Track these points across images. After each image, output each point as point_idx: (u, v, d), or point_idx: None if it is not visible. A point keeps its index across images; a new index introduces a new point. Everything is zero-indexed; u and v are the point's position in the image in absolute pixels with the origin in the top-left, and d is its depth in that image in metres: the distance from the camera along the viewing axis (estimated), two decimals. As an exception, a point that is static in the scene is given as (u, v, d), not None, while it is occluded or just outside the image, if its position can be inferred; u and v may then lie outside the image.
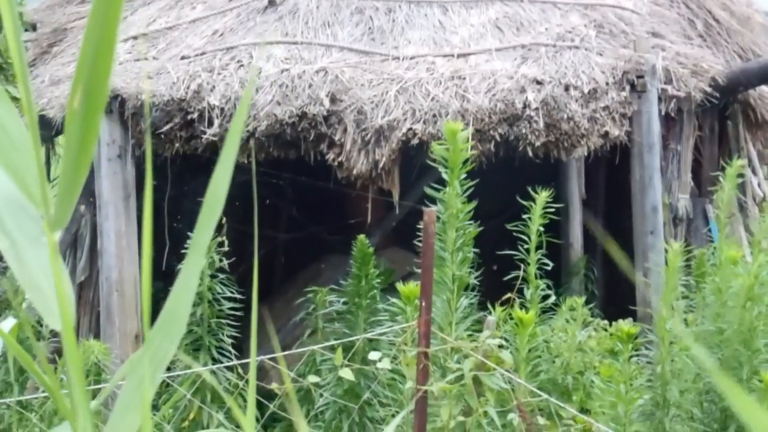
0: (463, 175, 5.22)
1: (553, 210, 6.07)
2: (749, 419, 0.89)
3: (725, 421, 5.43)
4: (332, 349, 6.48)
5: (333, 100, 8.01)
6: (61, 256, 1.60)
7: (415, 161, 8.01)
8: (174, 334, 1.23)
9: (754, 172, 9.92)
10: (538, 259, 6.08)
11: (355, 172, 7.96)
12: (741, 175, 6.75)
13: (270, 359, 6.12)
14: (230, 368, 6.83)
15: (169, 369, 6.24)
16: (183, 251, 6.55)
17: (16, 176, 1.25)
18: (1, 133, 1.27)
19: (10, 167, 1.25)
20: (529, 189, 6.06)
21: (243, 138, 8.02)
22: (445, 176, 5.23)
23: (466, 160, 5.20)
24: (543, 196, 5.95)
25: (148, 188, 1.14)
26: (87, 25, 1.15)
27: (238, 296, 7.24)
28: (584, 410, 5.92)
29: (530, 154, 7.99)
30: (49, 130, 8.59)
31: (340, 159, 7.98)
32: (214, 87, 8.22)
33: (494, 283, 6.21)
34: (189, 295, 1.23)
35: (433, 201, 5.32)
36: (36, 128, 1.22)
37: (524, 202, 6.04)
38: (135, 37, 9.35)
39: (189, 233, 5.85)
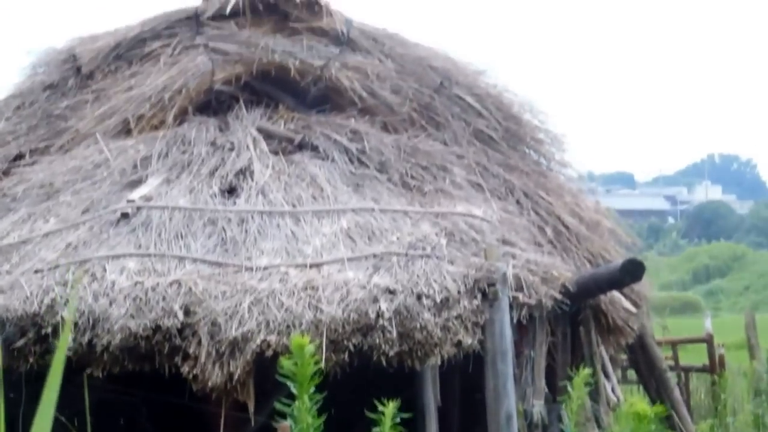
0: (313, 389, 5.21)
1: (406, 418, 6.05)
2: None
3: None
4: None
5: (187, 312, 7.98)
6: None
7: (270, 372, 7.97)
8: None
9: (607, 376, 10.07)
10: (392, 472, 6.03)
11: (209, 384, 7.88)
12: (590, 383, 6.85)
13: None
14: None
15: None
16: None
17: None
18: None
19: None
20: (383, 399, 6.05)
21: (97, 352, 7.94)
22: (294, 391, 5.22)
23: (315, 374, 5.20)
24: (391, 407, 5.94)
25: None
26: None
27: None
28: None
29: (384, 363, 8.01)
30: None
31: (194, 371, 7.91)
32: (67, 301, 8.14)
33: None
34: None
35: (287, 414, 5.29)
36: None
37: (375, 415, 6.01)
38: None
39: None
